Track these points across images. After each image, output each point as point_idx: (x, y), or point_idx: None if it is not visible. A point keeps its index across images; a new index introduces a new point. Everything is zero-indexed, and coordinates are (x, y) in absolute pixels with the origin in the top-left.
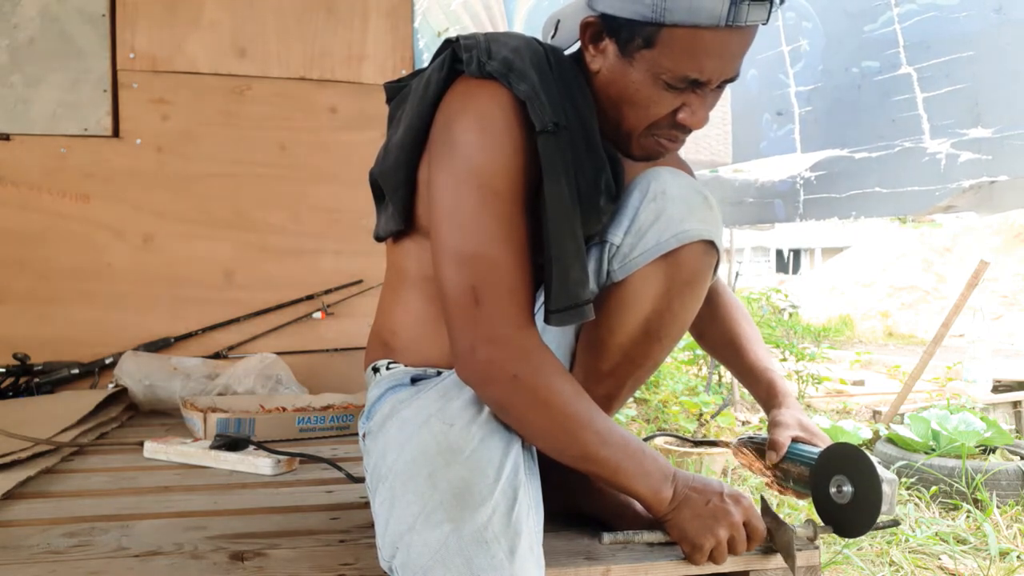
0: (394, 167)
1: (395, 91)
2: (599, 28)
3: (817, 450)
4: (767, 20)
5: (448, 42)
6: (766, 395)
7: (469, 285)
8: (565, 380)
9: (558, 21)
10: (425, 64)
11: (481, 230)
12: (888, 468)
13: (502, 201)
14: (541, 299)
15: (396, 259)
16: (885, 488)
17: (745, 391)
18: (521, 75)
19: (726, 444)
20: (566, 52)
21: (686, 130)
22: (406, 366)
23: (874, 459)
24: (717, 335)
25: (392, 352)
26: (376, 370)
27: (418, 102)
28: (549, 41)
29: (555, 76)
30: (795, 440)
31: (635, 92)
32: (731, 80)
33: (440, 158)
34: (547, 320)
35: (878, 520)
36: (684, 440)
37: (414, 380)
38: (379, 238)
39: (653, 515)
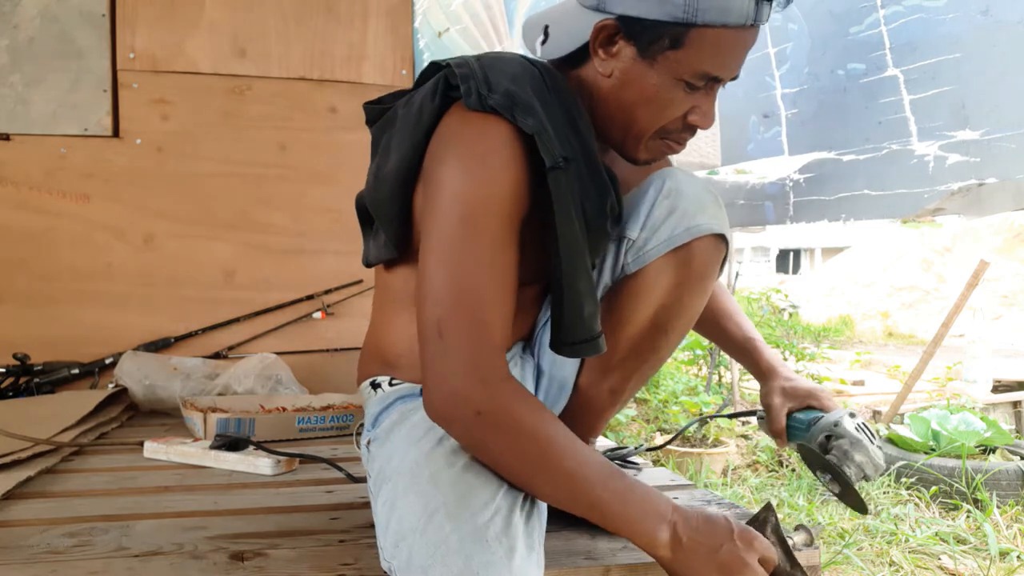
0: (388, 198)
1: (377, 113)
2: (614, 31)
3: (807, 418)
4: (767, 18)
5: (436, 66)
6: (754, 370)
7: (435, 318)
8: (535, 413)
9: (546, 26)
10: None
11: (456, 264)
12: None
13: (485, 235)
14: (544, 318)
15: (390, 282)
16: (851, 474)
17: (745, 391)
18: (527, 109)
19: (753, 413)
20: (553, 58)
21: (694, 131)
22: (411, 383)
23: (837, 450)
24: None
25: (395, 370)
26: (376, 385)
27: (411, 132)
28: (538, 48)
29: (556, 101)
30: (790, 412)
31: (654, 93)
32: (734, 79)
33: (432, 192)
34: (560, 352)
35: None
36: (719, 417)
37: (423, 392)
38: (369, 264)
39: (656, 561)
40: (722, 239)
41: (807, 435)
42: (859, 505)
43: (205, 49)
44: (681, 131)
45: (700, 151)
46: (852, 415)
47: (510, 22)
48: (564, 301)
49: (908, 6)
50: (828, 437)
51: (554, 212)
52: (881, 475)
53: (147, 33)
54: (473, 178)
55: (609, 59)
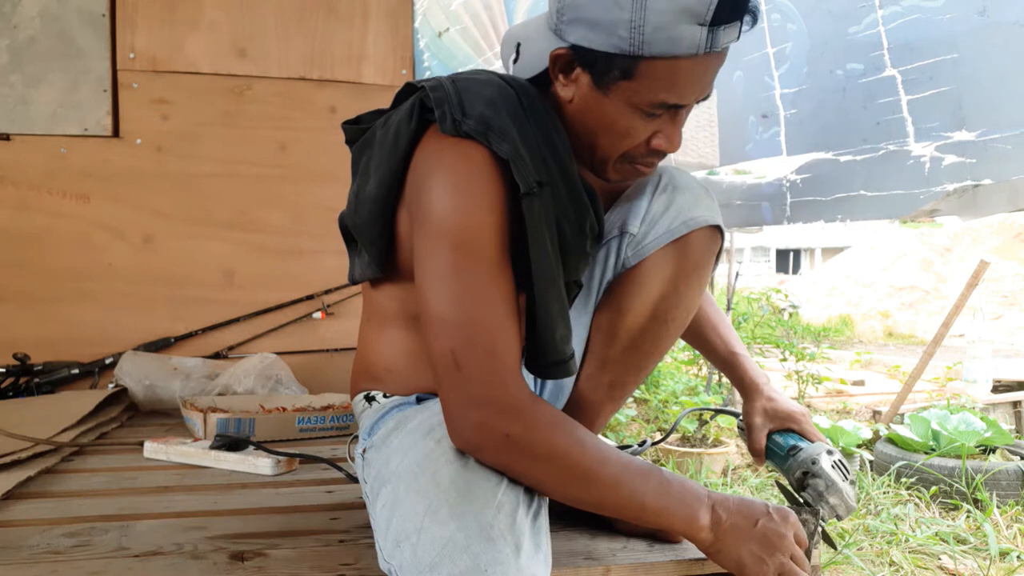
0: (369, 221)
1: (356, 133)
2: (570, 59)
3: (786, 444)
4: (738, 38)
5: (411, 87)
6: (737, 385)
7: (448, 349)
8: (563, 428)
9: (519, 44)
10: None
11: (457, 293)
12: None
13: (480, 261)
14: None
15: (376, 299)
16: (824, 515)
17: None
18: (501, 134)
19: (737, 414)
20: (530, 76)
21: (662, 155)
22: (403, 395)
23: (810, 493)
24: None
25: (384, 385)
26: (371, 399)
27: (388, 156)
28: (511, 65)
29: (531, 123)
30: (769, 433)
31: (612, 122)
32: (705, 99)
33: (419, 221)
34: (532, 372)
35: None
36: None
37: (419, 400)
38: (354, 281)
39: (697, 546)
40: (718, 230)
41: (785, 466)
42: (829, 541)
43: (205, 49)
44: (647, 156)
45: (699, 151)
46: (830, 452)
47: (510, 22)
48: (537, 324)
49: (906, 6)
50: (805, 474)
51: (527, 237)
52: (853, 512)
53: (147, 33)
54: (459, 206)
55: (569, 84)
